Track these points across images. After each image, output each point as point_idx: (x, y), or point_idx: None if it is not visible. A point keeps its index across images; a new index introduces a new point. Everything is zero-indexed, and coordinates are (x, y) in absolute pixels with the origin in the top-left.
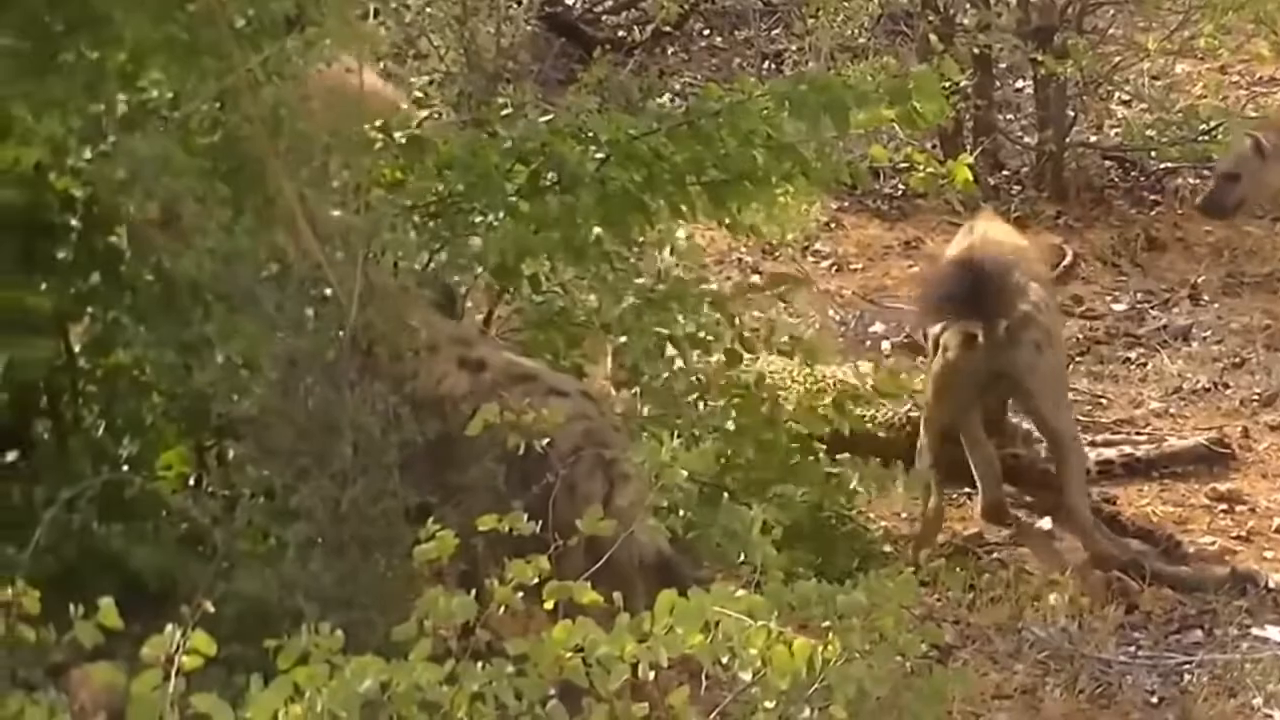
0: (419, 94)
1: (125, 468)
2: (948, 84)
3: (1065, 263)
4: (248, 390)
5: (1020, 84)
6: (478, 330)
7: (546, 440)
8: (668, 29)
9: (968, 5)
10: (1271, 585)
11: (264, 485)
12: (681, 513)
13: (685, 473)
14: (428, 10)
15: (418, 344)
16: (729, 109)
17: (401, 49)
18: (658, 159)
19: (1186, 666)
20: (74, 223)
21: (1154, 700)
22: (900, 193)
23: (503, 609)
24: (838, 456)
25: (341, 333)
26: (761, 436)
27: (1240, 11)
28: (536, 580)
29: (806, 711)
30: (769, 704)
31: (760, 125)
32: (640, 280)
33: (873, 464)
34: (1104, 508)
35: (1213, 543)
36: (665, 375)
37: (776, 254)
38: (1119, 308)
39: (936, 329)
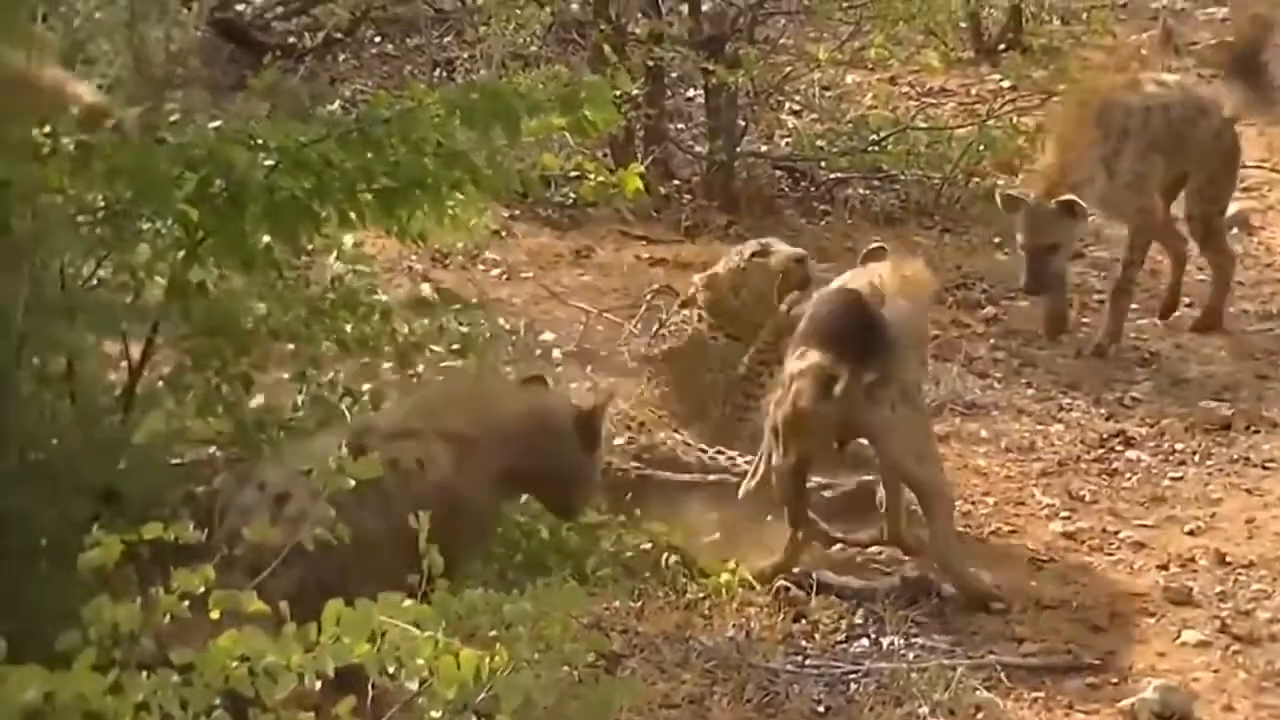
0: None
1: None
2: (619, 93)
3: None
4: None
5: (691, 93)
6: None
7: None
8: (339, 36)
9: (639, 15)
10: (943, 594)
11: None
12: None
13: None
14: (96, 15)
15: None
16: (399, 116)
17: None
18: (327, 166)
19: (853, 676)
20: None
21: (821, 709)
22: (571, 201)
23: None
24: None
25: (6, 341)
26: None
27: (910, 23)
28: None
29: None
30: (435, 713)
31: (431, 133)
32: (310, 288)
33: None
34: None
35: (880, 552)
36: (329, 381)
37: (447, 262)
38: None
39: (792, 364)
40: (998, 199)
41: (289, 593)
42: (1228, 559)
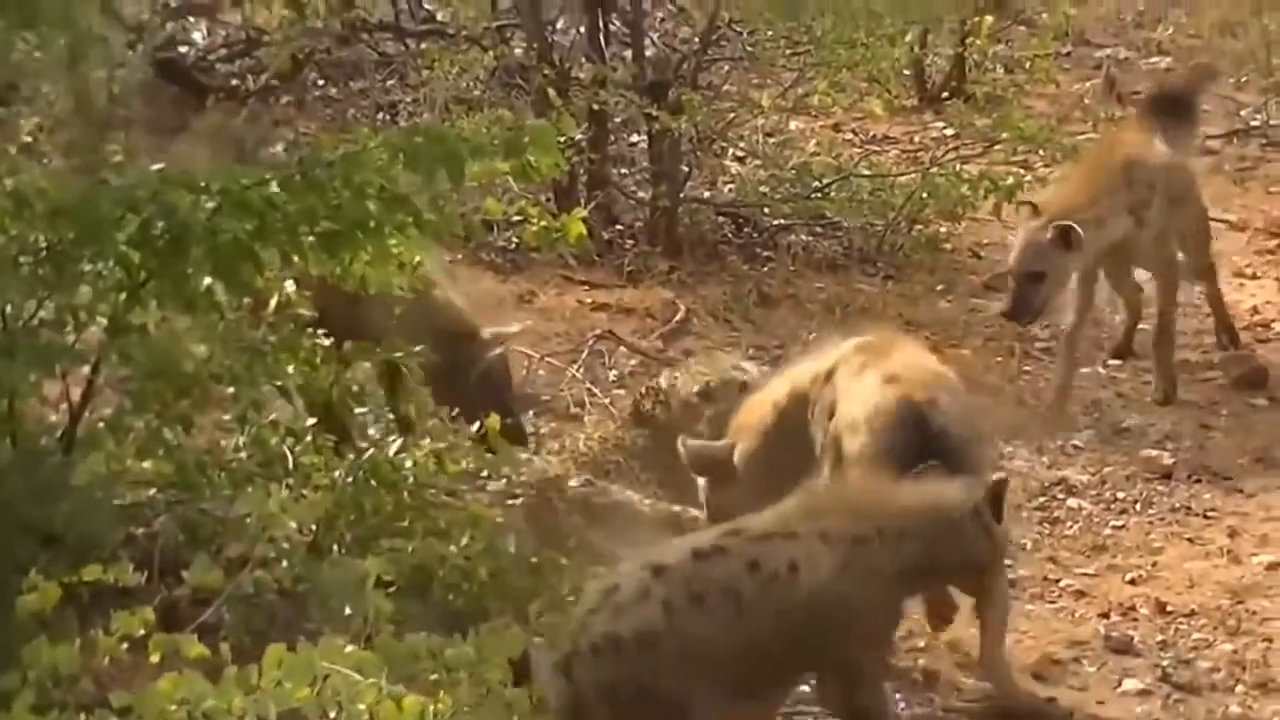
0: (27, 138)
1: None
2: (563, 138)
3: (678, 318)
4: None
5: (635, 138)
6: None
7: None
8: (281, 79)
9: (583, 59)
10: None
11: None
12: (289, 564)
13: (293, 524)
14: (36, 54)
15: None
16: (343, 160)
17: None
18: (270, 208)
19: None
20: None
21: None
22: (514, 246)
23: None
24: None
25: None
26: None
27: (854, 70)
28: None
29: None
30: None
31: (374, 176)
32: (251, 331)
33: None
34: None
35: None
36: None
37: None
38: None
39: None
40: (1016, 207)
41: (600, 685)
42: (1169, 608)
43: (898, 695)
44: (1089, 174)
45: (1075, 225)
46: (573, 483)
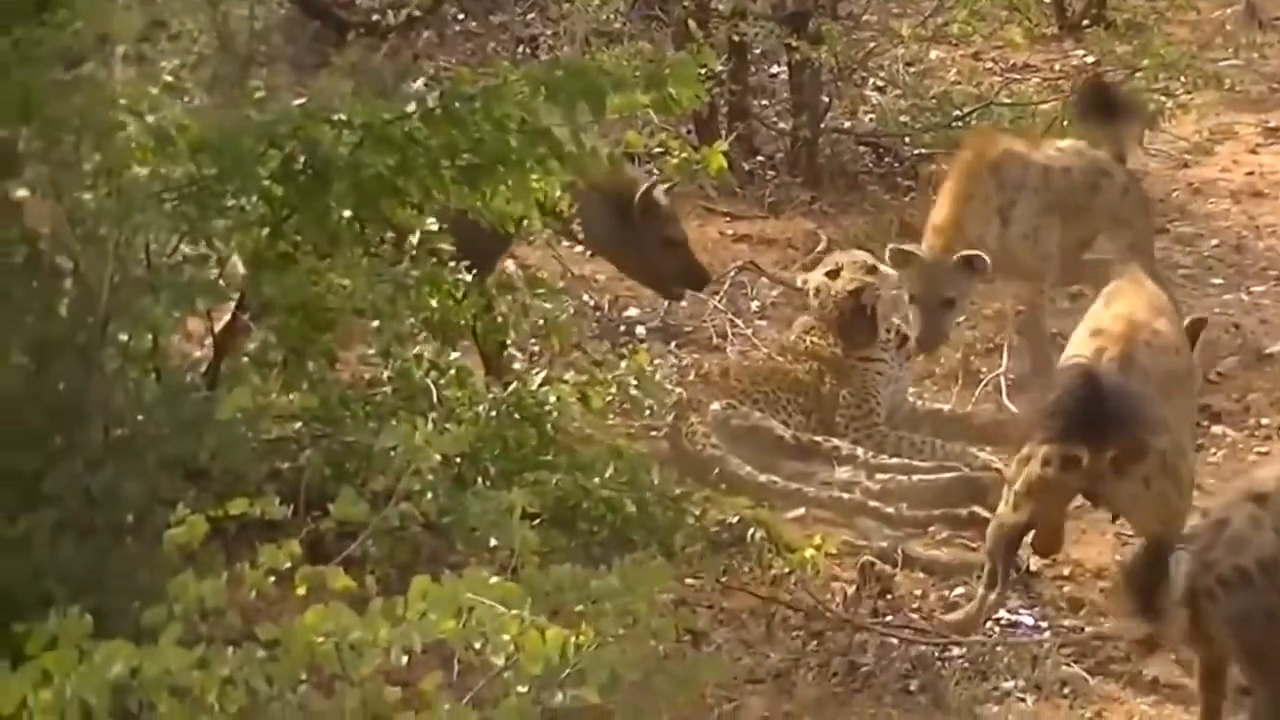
0: (169, 77)
1: None
2: (703, 70)
3: (819, 249)
4: None
5: (775, 69)
6: None
7: None
8: (422, 13)
9: None
10: (1031, 568)
11: (13, 469)
12: (434, 497)
13: (438, 457)
14: None
15: None
16: (483, 94)
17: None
18: (411, 143)
19: (940, 651)
20: None
21: (908, 685)
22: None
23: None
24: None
25: (92, 317)
26: (514, 421)
27: None
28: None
29: (559, 696)
30: (522, 689)
31: (514, 110)
32: (396, 265)
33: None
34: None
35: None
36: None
37: (531, 238)
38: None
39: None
40: (887, 254)
41: (1231, 618)
42: None
43: (1042, 621)
44: (967, 185)
45: (978, 253)
46: (714, 407)
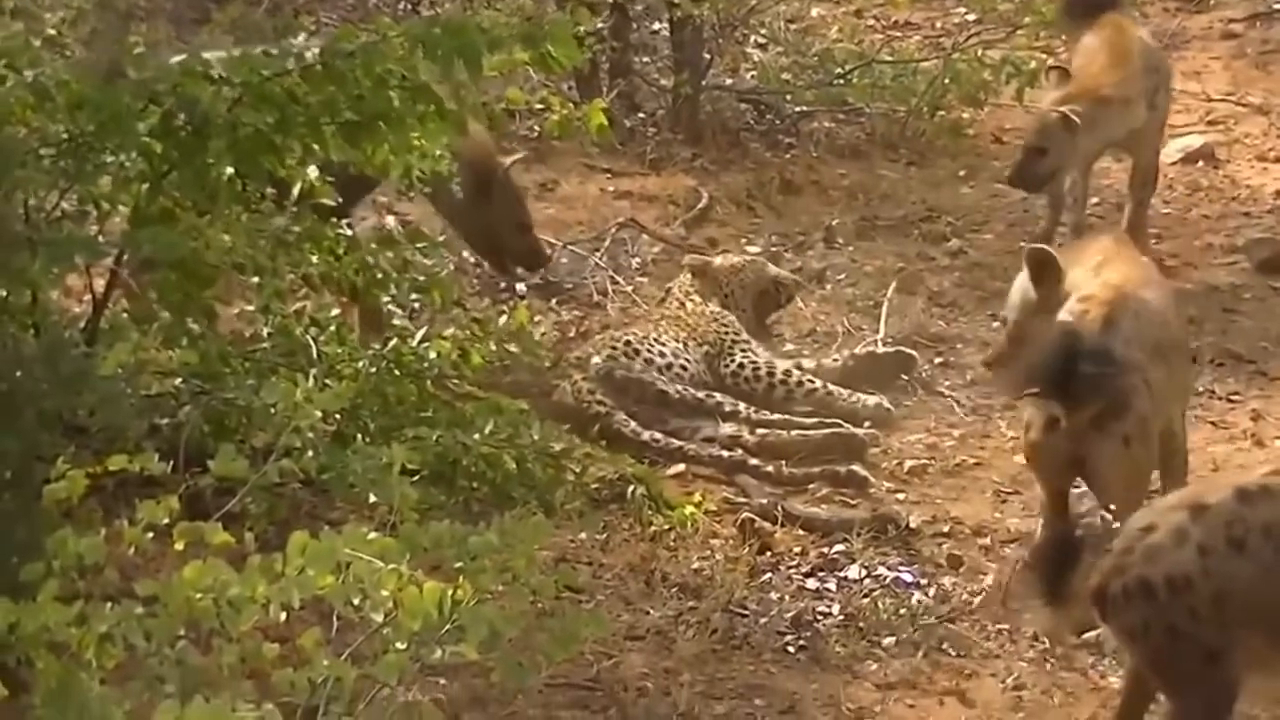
0: (50, 31)
1: None
2: (581, 29)
3: (700, 205)
4: None
5: (656, 26)
6: None
7: None
8: None
9: None
10: (911, 525)
11: None
12: (314, 454)
13: (318, 413)
14: None
15: None
16: (364, 50)
17: None
18: (291, 100)
19: (819, 608)
20: None
21: (786, 642)
22: (536, 135)
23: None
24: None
25: None
26: (394, 378)
27: None
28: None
29: (438, 652)
30: (401, 645)
31: (395, 66)
32: (275, 221)
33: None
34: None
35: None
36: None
37: (411, 194)
38: (754, 250)
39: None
40: (1043, 74)
41: (1130, 627)
42: None
43: (922, 579)
44: (1121, 57)
45: (1075, 113)
46: (595, 360)
